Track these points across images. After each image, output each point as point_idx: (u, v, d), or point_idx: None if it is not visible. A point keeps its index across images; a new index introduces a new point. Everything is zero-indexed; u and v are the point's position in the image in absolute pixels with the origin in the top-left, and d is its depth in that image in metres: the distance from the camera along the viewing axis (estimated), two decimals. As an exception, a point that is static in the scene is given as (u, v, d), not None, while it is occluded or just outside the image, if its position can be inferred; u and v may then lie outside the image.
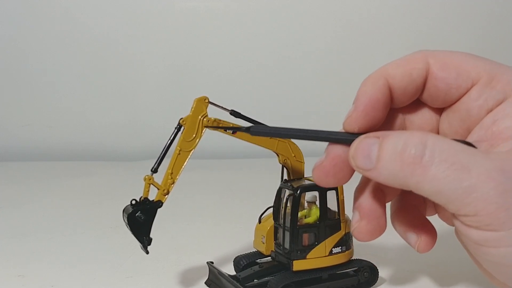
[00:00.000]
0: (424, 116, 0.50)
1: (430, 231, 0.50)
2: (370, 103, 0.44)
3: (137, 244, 0.70)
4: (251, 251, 0.79)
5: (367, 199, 0.48)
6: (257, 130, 0.48)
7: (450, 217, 0.49)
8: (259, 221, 0.77)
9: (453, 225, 0.49)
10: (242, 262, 0.77)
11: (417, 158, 0.40)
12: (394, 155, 0.40)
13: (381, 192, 0.48)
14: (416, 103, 0.49)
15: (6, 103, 2.18)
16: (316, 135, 0.44)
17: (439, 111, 0.50)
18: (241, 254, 0.79)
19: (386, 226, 0.48)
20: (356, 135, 0.44)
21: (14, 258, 0.92)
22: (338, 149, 0.45)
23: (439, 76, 0.45)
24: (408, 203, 0.51)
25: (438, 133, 0.51)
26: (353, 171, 0.45)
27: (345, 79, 2.11)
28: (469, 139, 0.46)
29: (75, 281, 0.80)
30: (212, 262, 0.77)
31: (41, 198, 1.40)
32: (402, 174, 0.40)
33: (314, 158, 0.75)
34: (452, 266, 0.81)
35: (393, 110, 0.49)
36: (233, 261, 0.79)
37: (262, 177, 0.80)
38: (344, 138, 0.45)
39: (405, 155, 0.40)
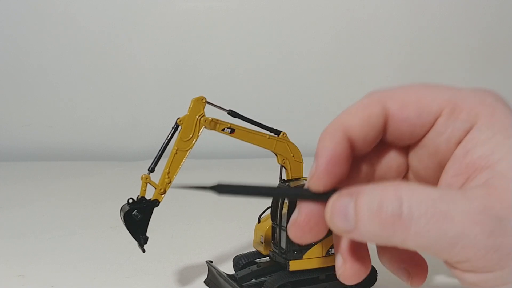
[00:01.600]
0: (390, 157, 0.48)
1: (420, 264, 0.48)
2: (331, 160, 0.42)
3: (136, 244, 0.70)
4: (251, 250, 0.79)
5: (347, 240, 0.45)
6: (224, 190, 0.45)
7: None
8: (259, 221, 0.77)
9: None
10: (241, 261, 0.78)
11: (395, 217, 0.38)
12: (372, 215, 0.39)
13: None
14: (380, 145, 0.46)
15: (6, 103, 2.18)
16: (286, 193, 0.44)
17: (406, 148, 0.47)
18: (241, 253, 0.79)
19: (370, 264, 0.47)
20: (326, 193, 0.44)
21: (14, 258, 0.92)
22: (310, 205, 0.45)
23: (400, 118, 0.43)
24: None
25: (407, 170, 0.48)
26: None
27: (345, 79, 2.11)
28: (444, 175, 0.45)
29: (75, 281, 0.80)
30: (211, 261, 0.77)
31: (41, 198, 1.40)
32: (384, 234, 0.39)
33: (313, 158, 0.74)
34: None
35: (357, 157, 0.46)
36: (233, 261, 0.79)
37: (262, 177, 0.80)
38: (314, 196, 0.44)
39: (382, 214, 0.38)
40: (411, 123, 0.43)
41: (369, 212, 0.38)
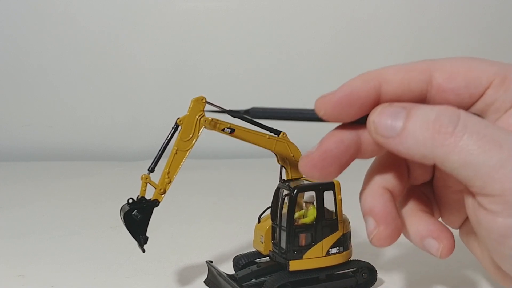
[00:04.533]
0: None
1: (447, 233, 0.47)
2: (352, 94, 0.42)
3: (137, 244, 0.70)
4: (251, 250, 0.79)
5: (378, 201, 0.45)
6: (257, 114, 0.45)
7: (455, 220, 0.49)
8: (259, 221, 0.77)
9: (457, 227, 0.49)
10: (241, 261, 0.77)
11: (449, 128, 0.39)
12: (425, 124, 0.39)
13: (389, 192, 0.46)
14: None
15: (6, 103, 2.18)
16: (312, 116, 0.42)
17: None
18: (241, 253, 0.79)
19: (402, 228, 0.46)
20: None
21: (14, 258, 0.92)
22: (331, 143, 0.43)
23: (448, 88, 0.43)
24: (417, 208, 0.49)
25: None
26: (342, 168, 0.43)
27: (345, 79, 2.11)
28: None
29: (75, 281, 0.80)
30: (211, 261, 0.77)
31: (41, 198, 1.40)
32: (431, 142, 0.39)
33: None
34: (451, 267, 0.81)
35: None
36: (233, 261, 0.79)
37: (262, 177, 0.81)
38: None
39: (437, 124, 0.39)
40: (458, 94, 0.43)
41: (423, 120, 0.39)
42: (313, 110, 0.43)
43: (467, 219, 0.49)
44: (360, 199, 0.47)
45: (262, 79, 2.12)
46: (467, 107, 0.44)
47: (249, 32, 2.11)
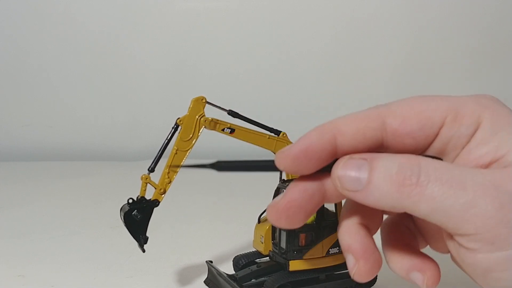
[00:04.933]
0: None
1: (431, 264, 0.48)
2: (307, 149, 0.42)
3: (137, 244, 0.70)
4: (251, 250, 0.79)
5: (355, 239, 0.46)
6: (223, 167, 0.47)
7: (443, 246, 0.49)
8: (259, 221, 0.77)
9: (447, 252, 0.49)
10: (241, 261, 0.77)
11: (413, 179, 0.39)
12: (389, 177, 0.40)
13: (365, 227, 0.47)
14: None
15: (6, 103, 2.18)
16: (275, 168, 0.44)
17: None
18: (241, 253, 0.79)
19: (381, 259, 0.47)
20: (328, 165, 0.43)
21: (14, 258, 0.92)
22: (295, 193, 0.44)
23: (403, 133, 0.44)
24: (399, 242, 0.50)
25: None
26: (308, 215, 0.44)
27: (345, 79, 2.11)
28: None
29: (75, 281, 0.81)
30: (211, 261, 0.77)
31: (41, 198, 1.40)
32: (397, 195, 0.40)
33: None
34: (451, 267, 0.81)
35: None
36: (233, 261, 0.79)
37: (262, 177, 0.81)
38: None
39: (400, 176, 0.40)
40: (414, 136, 0.44)
41: (385, 173, 0.40)
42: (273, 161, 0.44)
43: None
44: (338, 236, 0.48)
45: (262, 79, 2.12)
46: (424, 149, 0.44)
47: (249, 32, 2.11)
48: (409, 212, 0.40)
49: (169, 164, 0.69)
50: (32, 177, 1.72)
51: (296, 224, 0.44)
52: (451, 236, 0.42)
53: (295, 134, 0.80)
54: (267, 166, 0.46)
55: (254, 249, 0.79)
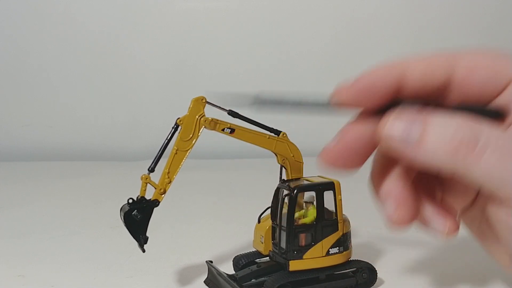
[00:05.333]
0: None
1: (452, 214, 0.48)
2: (374, 83, 0.42)
3: (137, 244, 0.70)
4: (251, 250, 0.79)
5: (395, 184, 0.45)
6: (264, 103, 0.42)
7: (458, 203, 0.50)
8: (259, 221, 0.77)
9: (459, 210, 0.50)
10: (242, 261, 0.77)
11: (471, 143, 0.39)
12: (445, 136, 0.39)
13: (403, 175, 0.46)
14: None
15: (6, 103, 2.18)
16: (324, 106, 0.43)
17: None
18: (241, 253, 0.79)
19: (419, 210, 0.46)
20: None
21: (14, 258, 0.92)
22: (350, 136, 0.43)
23: (470, 81, 0.43)
24: (421, 191, 0.49)
25: None
26: (362, 161, 0.44)
27: (345, 79, 2.11)
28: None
29: (75, 281, 0.80)
30: (211, 261, 0.77)
31: (41, 198, 1.40)
32: (452, 157, 0.39)
33: (313, 158, 0.75)
34: (450, 267, 0.81)
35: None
36: (233, 261, 0.79)
37: (262, 177, 0.81)
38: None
39: (457, 140, 0.39)
40: (480, 87, 0.43)
41: (442, 132, 0.39)
42: (326, 100, 0.43)
43: (472, 205, 0.50)
44: (372, 182, 0.47)
45: (262, 79, 2.12)
46: (488, 102, 0.44)
47: (249, 32, 2.11)
48: (458, 176, 0.40)
49: (169, 164, 0.69)
50: (32, 177, 1.72)
51: (353, 167, 0.44)
52: (498, 203, 0.42)
53: (295, 134, 0.80)
54: (318, 105, 0.44)
55: (254, 249, 0.79)
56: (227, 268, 0.77)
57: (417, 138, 0.40)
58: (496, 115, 0.43)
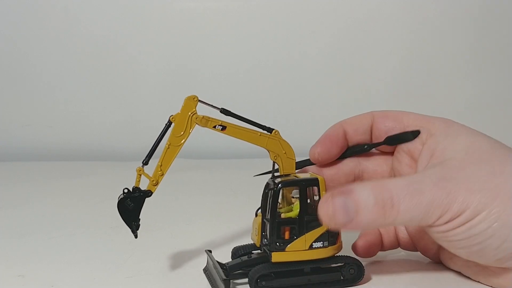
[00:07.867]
0: (376, 160, 0.75)
1: (375, 238, 0.75)
2: (330, 137, 0.72)
3: (137, 244, 0.70)
4: (250, 242, 0.81)
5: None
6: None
7: (431, 249, 0.76)
8: (255, 215, 0.78)
9: (437, 259, 0.77)
10: (239, 252, 0.80)
11: (388, 203, 0.54)
12: (370, 207, 0.54)
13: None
14: (370, 154, 0.75)
15: (6, 103, 2.18)
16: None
17: (390, 155, 0.73)
18: (239, 245, 0.81)
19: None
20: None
21: (14, 258, 0.92)
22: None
23: (381, 123, 0.71)
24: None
25: (392, 169, 0.73)
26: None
27: (344, 79, 2.11)
28: (418, 167, 0.67)
29: (75, 281, 0.81)
30: (210, 251, 0.80)
31: (41, 198, 1.41)
32: (380, 218, 0.54)
33: (306, 156, 0.80)
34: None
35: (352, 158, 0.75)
36: (231, 251, 0.81)
37: (262, 177, 0.81)
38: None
39: (379, 204, 0.54)
40: (389, 129, 0.71)
41: (366, 204, 0.55)
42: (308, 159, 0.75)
43: (440, 248, 0.73)
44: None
45: (262, 79, 2.12)
46: (401, 130, 0.71)
47: (249, 32, 2.11)
48: (392, 225, 0.61)
49: (162, 158, 0.75)
50: (32, 177, 1.72)
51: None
52: (427, 229, 0.59)
53: (295, 134, 0.80)
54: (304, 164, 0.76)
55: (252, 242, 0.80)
56: (226, 260, 0.78)
57: (353, 214, 0.55)
58: (415, 134, 0.68)
